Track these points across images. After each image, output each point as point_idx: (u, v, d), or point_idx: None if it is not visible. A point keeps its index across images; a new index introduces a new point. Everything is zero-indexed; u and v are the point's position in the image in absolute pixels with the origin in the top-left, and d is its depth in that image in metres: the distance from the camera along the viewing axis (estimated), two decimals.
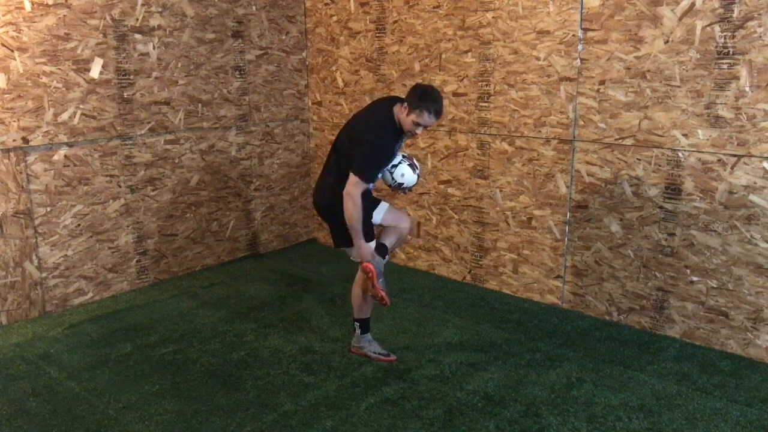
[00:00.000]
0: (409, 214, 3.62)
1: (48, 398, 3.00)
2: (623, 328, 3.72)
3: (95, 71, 3.98)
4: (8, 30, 3.60)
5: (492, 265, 4.31)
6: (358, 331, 3.39)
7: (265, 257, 5.10)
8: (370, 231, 3.17)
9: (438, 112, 2.96)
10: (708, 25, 3.18)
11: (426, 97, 2.95)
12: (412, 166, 3.18)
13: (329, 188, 3.14)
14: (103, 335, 3.68)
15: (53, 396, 3.03)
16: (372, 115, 3.16)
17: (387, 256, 3.29)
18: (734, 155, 3.21)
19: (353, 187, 2.96)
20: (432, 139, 4.46)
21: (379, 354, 3.36)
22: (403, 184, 3.17)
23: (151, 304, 4.13)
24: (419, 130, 3.01)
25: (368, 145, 3.00)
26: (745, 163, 3.19)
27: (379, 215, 3.26)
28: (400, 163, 3.16)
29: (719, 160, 3.26)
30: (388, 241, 3.31)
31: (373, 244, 3.18)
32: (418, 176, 3.22)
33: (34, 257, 3.88)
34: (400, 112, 3.04)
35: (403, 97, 3.07)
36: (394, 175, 3.15)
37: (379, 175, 3.17)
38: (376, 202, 3.29)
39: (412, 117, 2.96)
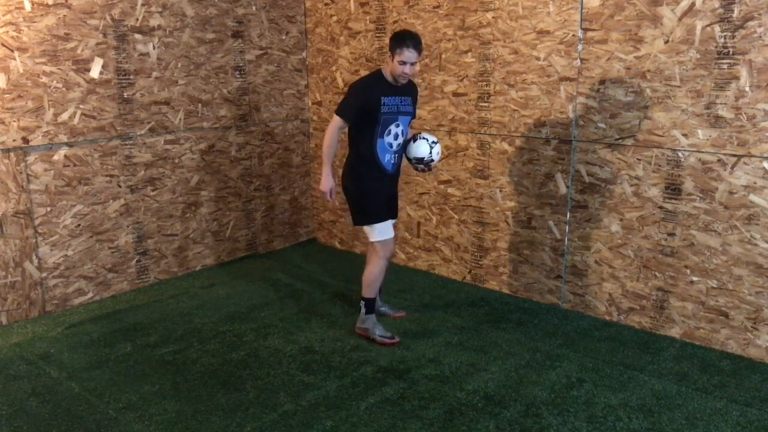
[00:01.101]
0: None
1: (48, 398, 3.00)
2: (623, 328, 3.72)
3: (95, 71, 3.98)
4: (8, 30, 3.60)
5: (492, 265, 4.31)
6: (363, 310, 3.55)
7: (265, 257, 5.10)
8: (383, 212, 3.43)
9: (414, 42, 3.22)
10: (708, 25, 3.18)
11: (400, 36, 3.25)
12: (425, 139, 3.43)
13: (345, 166, 3.49)
14: (103, 335, 3.68)
15: (53, 396, 3.03)
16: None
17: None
18: (734, 155, 3.21)
19: (331, 123, 3.35)
20: None
21: (383, 337, 3.49)
22: (423, 158, 3.41)
23: (151, 304, 4.13)
24: (407, 69, 3.26)
25: (349, 89, 3.39)
26: (745, 163, 3.19)
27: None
28: (417, 138, 3.42)
29: (719, 160, 3.26)
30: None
31: (331, 183, 3.41)
32: (432, 147, 3.41)
33: (34, 257, 3.88)
34: (387, 66, 3.35)
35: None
36: (409, 150, 3.43)
37: (391, 141, 3.37)
38: (394, 213, 3.60)
39: (396, 59, 3.24)
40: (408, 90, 3.44)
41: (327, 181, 3.38)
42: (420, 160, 3.42)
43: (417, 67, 3.34)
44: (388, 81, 3.34)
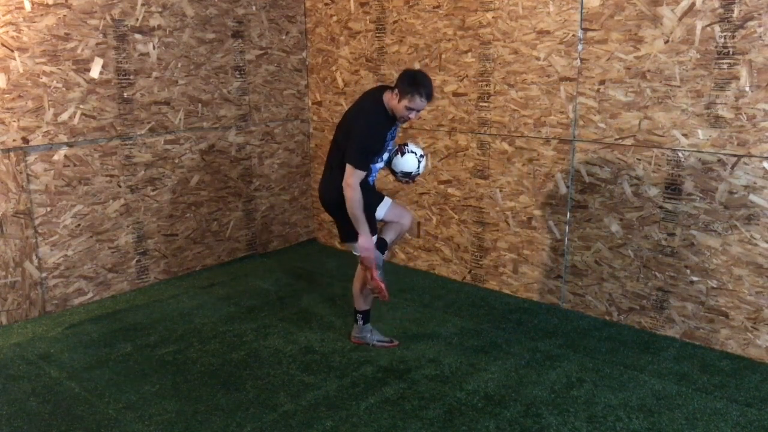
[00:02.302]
0: (410, 211, 3.69)
1: (48, 398, 3.00)
2: (623, 328, 3.72)
3: (95, 71, 3.98)
4: (8, 30, 3.60)
5: (492, 265, 4.31)
6: (360, 322, 3.49)
7: (265, 257, 5.10)
8: (372, 225, 3.22)
9: (429, 95, 3.01)
10: (708, 25, 3.18)
11: (416, 82, 2.99)
12: (413, 153, 3.30)
13: (332, 183, 3.18)
14: (103, 335, 3.68)
15: (53, 396, 3.03)
16: (362, 106, 3.21)
17: (386, 252, 3.37)
18: (734, 155, 3.21)
19: (351, 178, 3.04)
20: (432, 139, 4.46)
21: (381, 342, 3.47)
22: (410, 172, 3.30)
23: (151, 304, 4.13)
24: (413, 115, 3.05)
25: (359, 135, 3.06)
26: (745, 163, 3.19)
27: (382, 210, 3.38)
28: (405, 152, 3.29)
29: (719, 160, 3.26)
30: (389, 236, 3.42)
31: (374, 238, 3.22)
32: (420, 161, 3.29)
33: (34, 257, 3.88)
34: (391, 100, 3.08)
35: (392, 84, 3.13)
36: (396, 163, 3.29)
37: (380, 165, 3.24)
38: (380, 198, 3.40)
39: (404, 102, 3.00)
40: None
41: (369, 242, 3.13)
42: (407, 174, 3.30)
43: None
44: (388, 115, 3.11)
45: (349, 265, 4.87)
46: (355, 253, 3.31)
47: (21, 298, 3.87)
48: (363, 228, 3.11)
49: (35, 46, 3.70)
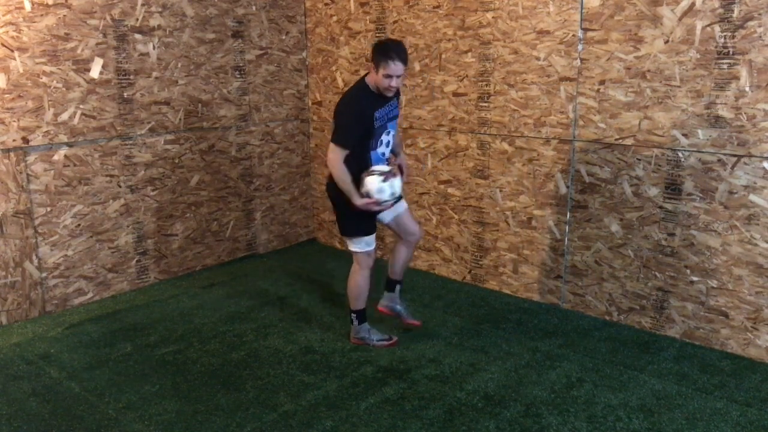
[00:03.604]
0: (420, 227, 3.63)
1: (48, 398, 3.00)
2: (623, 328, 3.72)
3: (95, 71, 3.98)
4: (8, 30, 3.60)
5: (492, 265, 4.31)
6: (355, 323, 3.48)
7: (265, 257, 5.10)
8: (370, 225, 3.30)
9: (402, 58, 3.02)
10: (708, 25, 3.18)
11: (386, 48, 3.05)
12: (375, 173, 3.13)
13: (330, 177, 3.28)
14: (103, 335, 3.68)
15: (53, 396, 3.03)
16: (346, 92, 3.29)
17: (397, 291, 3.56)
18: (734, 155, 3.21)
19: (330, 153, 3.13)
20: (432, 139, 4.46)
21: (381, 341, 3.46)
22: (387, 201, 3.14)
23: (151, 304, 4.13)
24: (393, 82, 3.06)
25: (339, 114, 3.17)
26: (745, 163, 3.19)
27: (390, 214, 3.37)
28: (370, 174, 3.13)
29: (719, 160, 3.26)
30: (397, 269, 3.54)
31: (365, 200, 3.12)
32: (385, 179, 3.10)
33: (34, 257, 3.88)
34: (371, 75, 3.14)
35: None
36: (369, 187, 3.10)
37: (382, 150, 3.22)
38: (375, 224, 3.38)
39: (381, 72, 3.04)
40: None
41: (359, 200, 3.12)
42: (383, 200, 3.12)
43: (403, 79, 3.06)
44: (374, 92, 3.14)
45: (349, 266, 4.87)
46: (350, 249, 3.37)
47: (21, 298, 3.87)
48: (352, 194, 3.12)
49: (35, 46, 3.70)
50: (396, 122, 3.31)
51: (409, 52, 4.42)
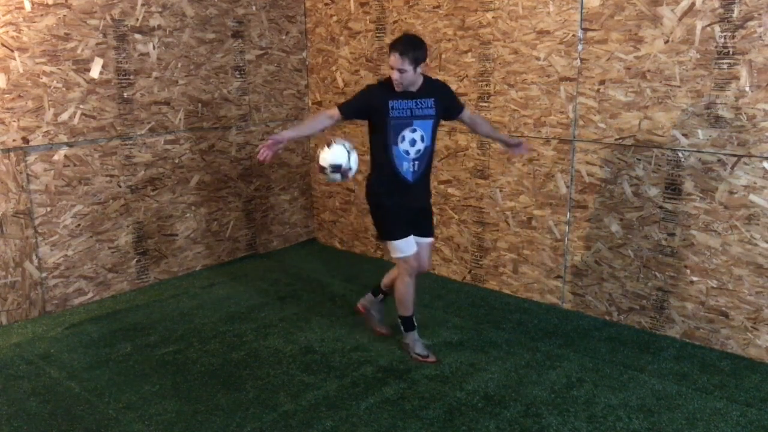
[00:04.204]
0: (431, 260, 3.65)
1: (48, 398, 3.00)
2: (623, 328, 3.72)
3: (95, 71, 3.98)
4: (8, 30, 3.60)
5: (492, 265, 4.31)
6: (402, 328, 3.41)
7: (265, 257, 5.10)
8: (397, 231, 3.23)
9: (398, 45, 3.03)
10: (708, 25, 3.18)
11: (393, 41, 3.11)
12: (341, 145, 3.11)
13: (368, 179, 3.34)
14: (103, 335, 3.68)
15: (53, 396, 3.03)
16: None
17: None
18: (734, 155, 3.21)
19: (324, 109, 3.24)
20: None
21: (418, 355, 3.35)
22: (340, 165, 3.06)
23: (151, 304, 4.13)
24: (396, 75, 3.06)
25: (359, 91, 3.29)
26: (745, 163, 3.19)
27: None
28: (331, 143, 3.11)
29: (719, 160, 3.26)
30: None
31: (279, 138, 3.15)
32: (350, 154, 3.09)
33: (34, 257, 3.88)
34: None
35: None
36: (325, 157, 3.08)
37: (404, 148, 3.16)
38: (421, 229, 3.32)
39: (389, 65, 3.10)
40: (429, 91, 3.17)
41: (280, 137, 3.12)
42: (337, 168, 3.05)
43: (410, 74, 3.04)
44: (390, 87, 3.14)
45: (349, 265, 4.88)
46: (393, 255, 3.29)
47: (21, 298, 3.87)
48: (286, 134, 3.17)
49: (35, 46, 3.70)
50: (431, 123, 3.20)
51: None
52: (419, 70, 3.06)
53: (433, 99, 3.17)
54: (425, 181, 3.29)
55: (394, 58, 3.02)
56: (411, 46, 3.03)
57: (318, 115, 3.25)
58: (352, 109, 3.18)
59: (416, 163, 3.19)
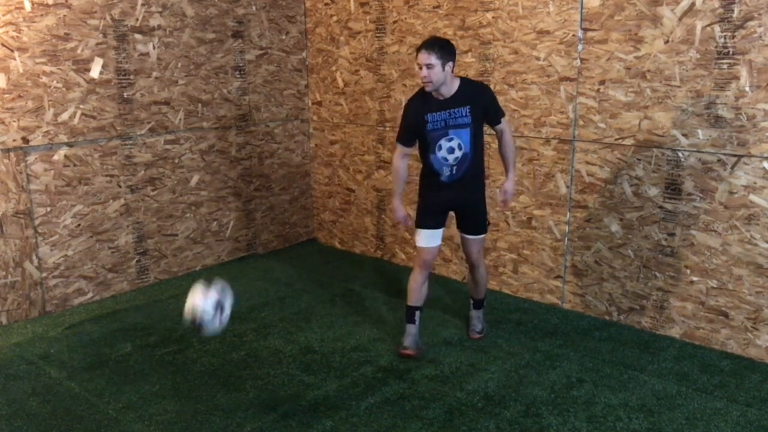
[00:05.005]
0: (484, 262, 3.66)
1: (48, 398, 3.00)
2: (623, 328, 3.72)
3: (95, 71, 3.98)
4: (8, 30, 3.60)
5: (492, 265, 4.31)
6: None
7: (265, 257, 5.10)
8: (428, 221, 3.35)
9: (426, 45, 3.06)
10: (708, 25, 3.18)
11: (422, 42, 3.14)
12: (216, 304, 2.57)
13: None
14: (103, 335, 3.68)
15: (53, 396, 3.03)
16: None
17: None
18: (734, 155, 3.21)
19: (394, 152, 3.35)
20: None
21: (401, 347, 3.38)
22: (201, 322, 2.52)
23: (151, 304, 4.13)
24: (423, 71, 3.06)
25: (402, 114, 3.32)
26: (745, 163, 3.19)
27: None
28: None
29: (719, 160, 3.26)
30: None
31: (401, 213, 3.38)
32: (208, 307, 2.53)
33: (34, 257, 3.88)
34: None
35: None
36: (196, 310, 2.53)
37: (443, 154, 3.18)
38: (437, 222, 3.37)
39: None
40: (464, 99, 3.13)
41: (397, 210, 3.36)
42: (192, 322, 2.52)
43: (439, 71, 3.02)
44: (432, 95, 3.14)
45: (349, 265, 4.88)
46: (416, 242, 3.39)
47: (21, 298, 3.87)
48: (394, 193, 3.37)
49: (35, 46, 3.70)
50: (468, 131, 3.15)
51: (409, 52, 4.45)
52: (448, 68, 3.07)
53: (468, 107, 3.14)
54: (465, 181, 3.25)
55: (421, 55, 3.06)
56: (437, 42, 3.09)
57: (395, 163, 3.31)
58: (408, 136, 3.26)
59: (455, 168, 3.22)
